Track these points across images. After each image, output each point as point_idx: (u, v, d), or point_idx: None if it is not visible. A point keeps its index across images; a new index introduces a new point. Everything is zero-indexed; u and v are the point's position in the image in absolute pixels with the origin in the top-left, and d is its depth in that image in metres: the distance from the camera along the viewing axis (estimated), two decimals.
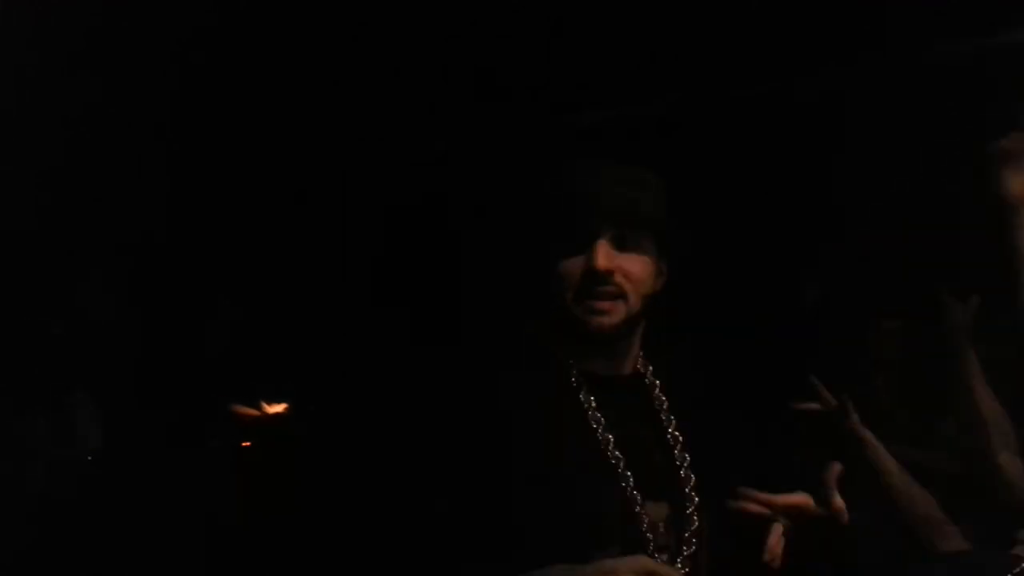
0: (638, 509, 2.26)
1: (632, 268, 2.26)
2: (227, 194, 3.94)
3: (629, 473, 2.26)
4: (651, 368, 2.38)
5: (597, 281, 2.24)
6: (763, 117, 3.25)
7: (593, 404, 2.30)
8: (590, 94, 3.25)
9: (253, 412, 4.16)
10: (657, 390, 2.37)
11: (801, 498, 2.21)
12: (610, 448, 2.28)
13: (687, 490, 2.31)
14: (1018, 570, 2.30)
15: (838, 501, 2.19)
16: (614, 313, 2.26)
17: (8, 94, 3.50)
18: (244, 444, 4.15)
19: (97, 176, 3.76)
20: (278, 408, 4.14)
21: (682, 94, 3.14)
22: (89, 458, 3.78)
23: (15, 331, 3.65)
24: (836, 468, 2.22)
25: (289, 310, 3.96)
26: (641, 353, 2.37)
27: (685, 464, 2.32)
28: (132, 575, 3.63)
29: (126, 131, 3.74)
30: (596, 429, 2.29)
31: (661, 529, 2.27)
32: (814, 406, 3.06)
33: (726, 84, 3.39)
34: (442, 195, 3.41)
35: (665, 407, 2.36)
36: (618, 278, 2.25)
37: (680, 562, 2.26)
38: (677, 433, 2.34)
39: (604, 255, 2.24)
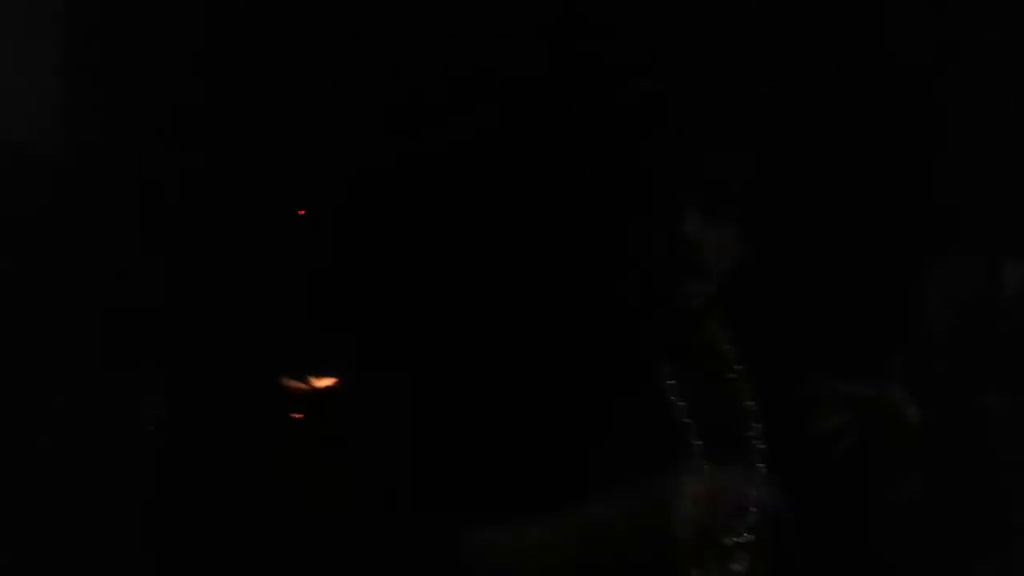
0: (705, 475, 2.32)
1: (713, 239, 2.33)
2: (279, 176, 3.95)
3: (698, 441, 2.33)
4: (728, 338, 2.44)
5: (679, 252, 2.30)
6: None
7: (666, 371, 2.37)
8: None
9: (303, 386, 4.20)
10: (733, 360, 2.43)
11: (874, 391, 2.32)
12: (681, 415, 2.34)
13: (758, 460, 2.37)
14: None
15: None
16: (694, 283, 2.33)
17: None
18: (295, 416, 4.20)
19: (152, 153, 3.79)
20: (327, 382, 4.18)
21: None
22: (151, 428, 3.84)
23: (81, 303, 3.70)
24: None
25: (339, 283, 4.00)
26: (719, 323, 2.43)
27: (758, 434, 2.39)
28: (191, 541, 3.68)
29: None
30: (668, 396, 2.35)
31: None
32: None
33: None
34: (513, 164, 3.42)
35: (740, 377, 2.42)
36: (700, 249, 2.31)
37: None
38: (751, 403, 2.40)
39: (688, 226, 2.30)
